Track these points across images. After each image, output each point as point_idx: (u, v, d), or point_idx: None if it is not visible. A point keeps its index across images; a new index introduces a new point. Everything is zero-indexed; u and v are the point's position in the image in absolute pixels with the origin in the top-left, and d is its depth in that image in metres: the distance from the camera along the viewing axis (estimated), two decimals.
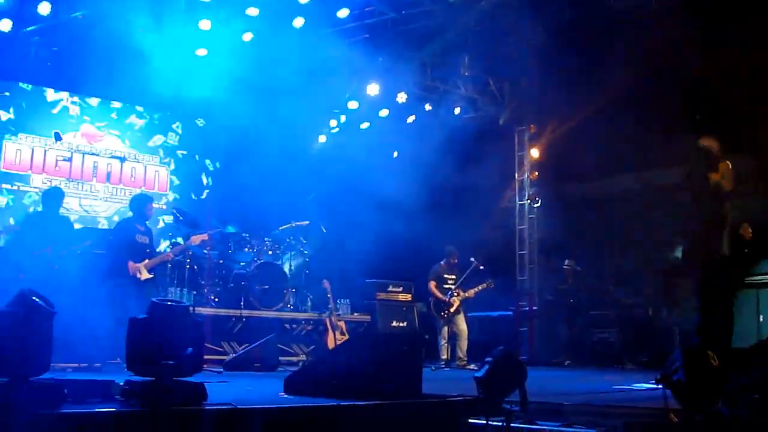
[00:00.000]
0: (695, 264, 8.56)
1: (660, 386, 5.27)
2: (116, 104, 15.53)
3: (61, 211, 11.32)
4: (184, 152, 16.38)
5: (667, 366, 5.24)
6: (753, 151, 14.12)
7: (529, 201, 17.20)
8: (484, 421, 5.67)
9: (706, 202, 8.56)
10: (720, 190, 8.50)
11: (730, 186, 8.50)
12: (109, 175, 15.28)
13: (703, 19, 13.47)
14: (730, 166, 8.54)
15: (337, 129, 17.30)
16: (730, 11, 13.45)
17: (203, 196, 16.51)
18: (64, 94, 14.99)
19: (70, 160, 14.86)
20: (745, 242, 8.48)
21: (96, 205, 15.03)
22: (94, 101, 15.30)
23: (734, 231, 8.46)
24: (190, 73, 13.88)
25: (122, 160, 15.31)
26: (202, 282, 13.54)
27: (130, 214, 11.42)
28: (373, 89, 15.70)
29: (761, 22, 13.32)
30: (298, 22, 13.52)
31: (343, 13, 13.69)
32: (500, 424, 5.55)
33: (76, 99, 15.09)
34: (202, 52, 13.69)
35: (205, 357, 10.03)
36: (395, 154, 17.19)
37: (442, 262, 14.34)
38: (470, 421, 5.99)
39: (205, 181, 16.64)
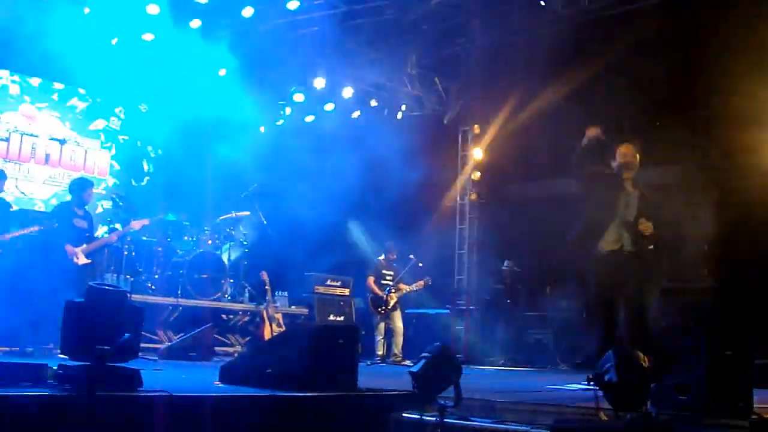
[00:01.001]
0: (577, 261, 8.19)
1: (592, 386, 5.36)
2: (58, 85, 15.28)
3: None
4: (126, 137, 16.18)
5: (600, 366, 5.33)
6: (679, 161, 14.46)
7: (470, 200, 17.34)
8: (418, 416, 5.71)
9: (596, 192, 8.05)
10: (617, 179, 8.06)
11: (627, 173, 8.02)
12: (48, 157, 15.02)
13: (643, 27, 13.75)
14: (630, 148, 8.10)
15: (282, 121, 17.24)
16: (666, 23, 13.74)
17: (144, 183, 16.34)
18: (5, 72, 14.70)
19: (7, 140, 14.58)
20: (646, 238, 7.83)
21: (33, 187, 14.77)
22: (35, 81, 15.03)
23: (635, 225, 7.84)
24: (135, 58, 13.74)
25: (62, 142, 15.09)
26: (140, 269, 13.43)
27: (69, 197, 11.26)
28: (319, 83, 15.68)
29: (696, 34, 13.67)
30: (248, 11, 13.46)
31: (293, 4, 13.65)
32: (434, 419, 5.59)
33: (16, 78, 14.81)
34: (148, 36, 13.56)
35: (141, 345, 9.97)
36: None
37: (381, 258, 14.40)
38: (404, 415, 6.03)
39: (146, 167, 16.45)
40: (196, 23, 13.43)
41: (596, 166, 8.13)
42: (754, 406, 5.49)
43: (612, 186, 8.03)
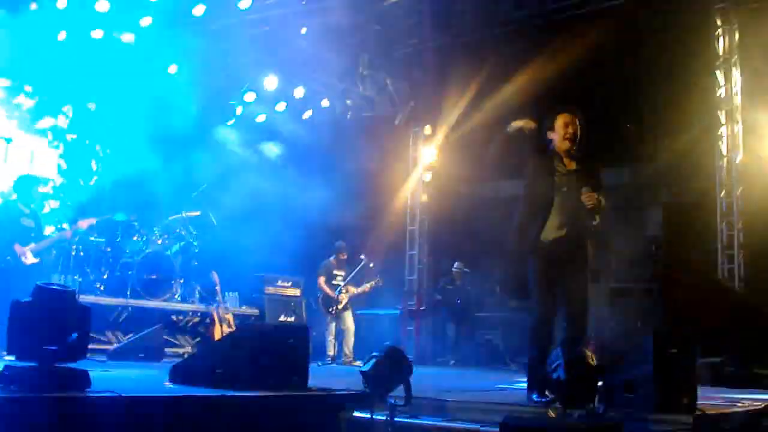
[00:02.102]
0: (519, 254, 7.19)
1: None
2: (4, 82, 14.98)
3: None
4: (74, 136, 15.91)
5: (548, 365, 5.40)
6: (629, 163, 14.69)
7: (420, 201, 17.39)
8: (369, 415, 5.73)
9: (533, 176, 7.15)
10: (554, 157, 7.13)
11: (569, 145, 7.08)
12: None
13: (594, 31, 13.93)
14: (571, 117, 7.17)
15: (233, 121, 17.13)
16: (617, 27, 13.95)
17: (92, 182, 16.11)
18: None
19: None
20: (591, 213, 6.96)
21: None
22: None
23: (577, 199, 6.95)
24: (84, 55, 13.57)
25: (8, 141, 14.82)
26: (88, 269, 13.26)
27: (15, 196, 11.10)
28: (270, 82, 15.61)
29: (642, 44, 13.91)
30: (199, 9, 13.38)
31: (244, 3, 13.60)
32: (384, 418, 5.62)
33: None
34: (98, 34, 13.41)
35: (89, 346, 9.84)
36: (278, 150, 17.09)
37: (332, 258, 14.39)
38: (355, 414, 6.05)
39: (95, 166, 16.21)
40: (146, 21, 13.31)
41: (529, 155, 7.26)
42: (698, 402, 5.61)
43: (549, 166, 7.10)
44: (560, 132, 7.12)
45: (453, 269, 16.14)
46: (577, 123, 7.15)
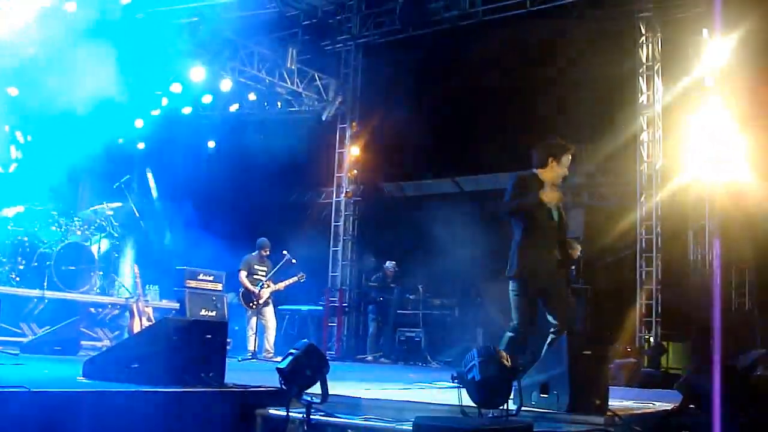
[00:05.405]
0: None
1: (457, 384, 5.46)
2: None
3: None
4: None
5: (464, 365, 5.43)
6: None
7: (345, 197, 17.36)
8: (285, 413, 5.71)
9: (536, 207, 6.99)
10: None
11: (559, 181, 7.14)
12: None
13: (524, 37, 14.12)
14: (569, 157, 7.16)
15: (158, 111, 16.88)
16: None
17: (11, 170, 15.74)
18: None
19: None
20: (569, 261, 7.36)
21: None
22: None
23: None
24: (3, 38, 13.24)
25: None
26: (3, 259, 12.94)
27: None
28: (197, 74, 15.41)
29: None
30: None
31: None
32: (301, 415, 5.60)
33: None
34: (18, 17, 13.10)
35: (1, 338, 9.64)
36: (211, 144, 16.94)
37: (253, 254, 14.28)
38: (270, 411, 6.03)
39: (14, 154, 15.83)
40: (71, 6, 13.05)
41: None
42: (610, 403, 5.72)
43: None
44: (563, 168, 7.12)
45: (386, 268, 16.09)
46: None
